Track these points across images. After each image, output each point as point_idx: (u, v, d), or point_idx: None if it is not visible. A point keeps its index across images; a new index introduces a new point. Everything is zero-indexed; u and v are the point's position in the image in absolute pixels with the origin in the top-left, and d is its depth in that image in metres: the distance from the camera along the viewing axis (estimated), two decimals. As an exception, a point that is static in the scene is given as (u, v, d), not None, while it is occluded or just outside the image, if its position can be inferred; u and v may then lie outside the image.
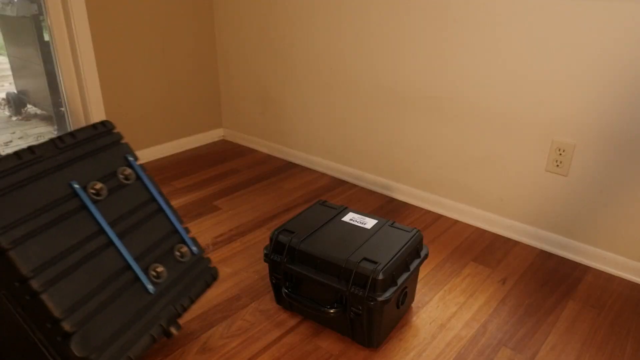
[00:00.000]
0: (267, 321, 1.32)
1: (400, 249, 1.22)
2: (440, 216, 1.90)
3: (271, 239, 1.29)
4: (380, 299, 1.12)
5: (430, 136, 1.86)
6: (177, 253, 1.13)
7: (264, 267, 1.55)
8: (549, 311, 1.37)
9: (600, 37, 1.40)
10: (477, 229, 1.81)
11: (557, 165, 1.58)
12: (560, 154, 1.56)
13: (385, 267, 1.14)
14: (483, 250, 1.67)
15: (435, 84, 1.78)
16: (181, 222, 1.17)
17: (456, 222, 1.86)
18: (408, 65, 1.83)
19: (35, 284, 0.87)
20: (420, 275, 1.53)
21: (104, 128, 1.12)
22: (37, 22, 2.52)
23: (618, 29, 1.36)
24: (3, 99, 3.18)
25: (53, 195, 0.96)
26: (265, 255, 1.30)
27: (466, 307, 1.39)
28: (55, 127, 2.85)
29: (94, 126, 1.10)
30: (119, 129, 2.27)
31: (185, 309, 1.10)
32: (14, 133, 2.84)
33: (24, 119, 3.05)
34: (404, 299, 1.27)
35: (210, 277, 1.20)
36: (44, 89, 2.67)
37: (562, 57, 1.48)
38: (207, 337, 1.26)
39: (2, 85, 3.50)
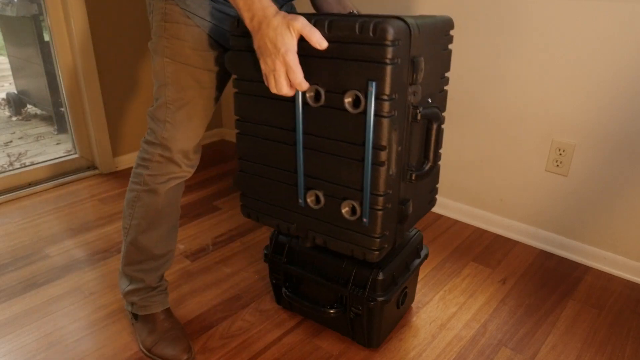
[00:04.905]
0: (267, 321, 1.32)
1: (400, 249, 1.22)
2: (440, 216, 1.90)
3: (271, 239, 1.29)
4: (380, 299, 1.12)
5: (430, 136, 1.86)
6: (345, 209, 0.99)
7: (264, 267, 1.55)
8: (549, 311, 1.37)
9: (601, 37, 1.40)
10: (477, 229, 1.81)
11: (557, 165, 1.58)
12: (561, 154, 1.56)
13: (385, 267, 1.14)
14: (483, 250, 1.67)
15: (435, 84, 1.78)
16: (375, 189, 0.96)
17: (456, 222, 1.86)
18: (408, 65, 1.83)
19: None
20: (420, 275, 1.53)
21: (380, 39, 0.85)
22: (37, 22, 2.52)
23: (618, 29, 1.36)
24: (3, 99, 3.18)
25: None
26: (265, 255, 1.30)
27: (466, 307, 1.39)
28: (55, 127, 2.85)
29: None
30: (118, 128, 2.28)
31: (314, 242, 1.07)
32: (14, 133, 2.83)
33: (24, 119, 3.05)
34: (404, 299, 1.27)
35: (361, 254, 1.02)
36: (44, 89, 2.67)
37: (562, 57, 1.48)
38: (207, 337, 1.26)
39: (2, 85, 3.50)
